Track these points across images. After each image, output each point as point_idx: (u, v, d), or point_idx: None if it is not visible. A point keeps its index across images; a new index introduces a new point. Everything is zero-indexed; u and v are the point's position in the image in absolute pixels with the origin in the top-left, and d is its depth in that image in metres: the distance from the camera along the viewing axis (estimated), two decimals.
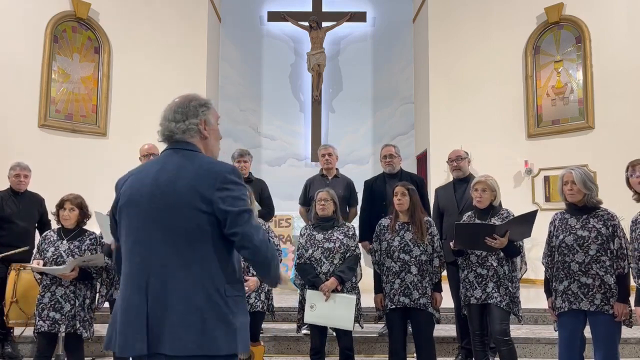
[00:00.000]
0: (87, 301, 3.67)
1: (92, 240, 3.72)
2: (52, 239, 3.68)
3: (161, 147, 2.01)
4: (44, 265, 3.56)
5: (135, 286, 1.76)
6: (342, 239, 3.86)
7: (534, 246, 7.23)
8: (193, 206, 1.73)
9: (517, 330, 4.73)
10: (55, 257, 3.58)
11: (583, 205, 3.29)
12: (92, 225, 3.92)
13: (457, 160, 4.55)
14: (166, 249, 1.74)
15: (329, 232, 3.88)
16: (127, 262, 1.83)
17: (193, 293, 1.71)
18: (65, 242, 3.65)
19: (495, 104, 8.65)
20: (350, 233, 3.93)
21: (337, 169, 5.24)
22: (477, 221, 3.70)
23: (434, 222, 3.93)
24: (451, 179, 4.76)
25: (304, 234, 3.96)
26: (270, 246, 1.82)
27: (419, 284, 3.65)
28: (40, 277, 3.69)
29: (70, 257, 3.58)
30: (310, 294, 3.76)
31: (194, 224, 1.73)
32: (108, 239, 3.49)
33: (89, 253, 3.64)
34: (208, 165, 1.81)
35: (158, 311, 1.70)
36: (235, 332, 1.75)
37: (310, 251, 3.85)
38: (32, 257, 3.75)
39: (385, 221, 3.91)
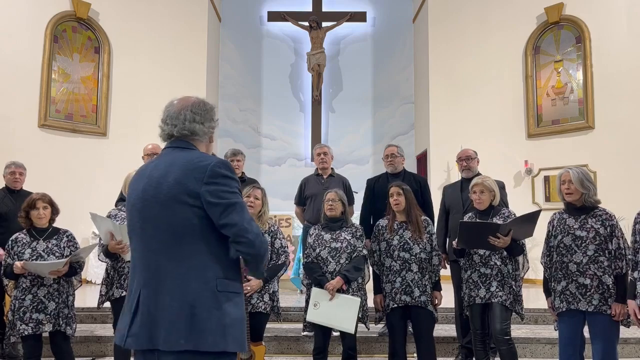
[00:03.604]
0: (71, 298, 3.66)
1: (70, 237, 3.71)
2: (24, 241, 3.60)
3: (163, 145, 2.01)
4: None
5: (134, 282, 1.82)
6: (350, 239, 3.86)
7: (534, 246, 7.24)
8: (179, 200, 1.74)
9: (517, 330, 4.73)
10: (34, 258, 3.53)
11: (581, 205, 3.29)
12: (77, 225, 3.90)
13: (466, 160, 4.56)
14: (157, 244, 1.77)
15: (337, 232, 3.89)
16: (131, 260, 1.90)
17: (184, 288, 1.72)
18: (41, 241, 3.60)
19: (495, 104, 8.66)
20: (358, 234, 3.92)
21: (332, 168, 5.23)
22: (479, 221, 3.69)
23: (431, 221, 3.94)
24: (451, 178, 4.76)
25: (313, 233, 3.97)
26: (263, 240, 1.81)
27: (419, 282, 3.67)
28: (8, 282, 3.63)
29: (51, 256, 3.55)
30: (315, 292, 3.76)
31: (181, 219, 1.74)
32: (105, 239, 3.48)
33: (69, 250, 3.64)
34: (197, 160, 1.81)
35: (152, 307, 1.74)
36: (224, 328, 1.72)
37: (317, 250, 3.86)
38: (3, 262, 3.65)
39: (383, 222, 3.92)
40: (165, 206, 1.76)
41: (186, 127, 1.90)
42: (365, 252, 3.94)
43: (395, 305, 3.69)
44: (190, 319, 1.70)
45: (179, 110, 1.92)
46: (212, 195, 1.74)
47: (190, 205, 1.75)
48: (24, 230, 3.67)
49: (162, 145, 2.01)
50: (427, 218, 3.92)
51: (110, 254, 3.49)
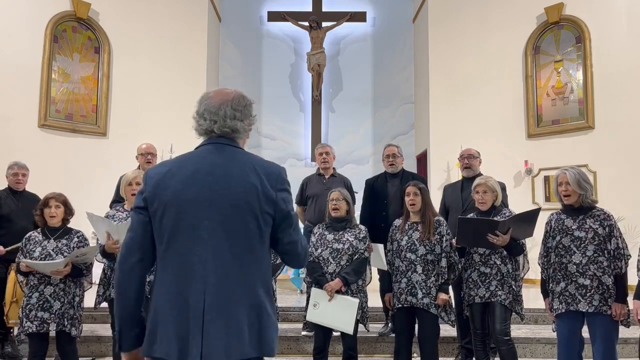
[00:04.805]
0: (77, 299, 3.65)
1: (80, 237, 3.71)
2: (37, 239, 3.63)
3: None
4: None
5: (190, 288, 1.65)
6: (352, 240, 3.84)
7: (534, 246, 7.23)
8: (259, 208, 1.70)
9: (517, 330, 4.73)
10: (43, 256, 3.54)
11: (579, 206, 3.27)
12: (81, 225, 3.90)
13: (468, 157, 4.55)
14: (227, 249, 1.67)
15: (340, 233, 3.87)
16: (178, 262, 1.68)
17: (254, 295, 1.68)
18: (52, 241, 3.62)
19: (495, 104, 8.66)
20: (361, 236, 3.89)
21: (334, 168, 5.23)
22: (478, 218, 3.69)
23: (444, 222, 3.86)
24: (451, 178, 4.76)
25: (316, 232, 3.96)
26: (307, 251, 1.86)
27: (423, 284, 3.63)
28: (23, 279, 3.65)
29: (60, 255, 3.55)
30: (314, 292, 3.76)
31: (255, 224, 1.70)
32: (102, 239, 3.48)
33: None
34: (265, 165, 1.78)
35: (218, 314, 1.63)
36: (276, 333, 1.75)
37: (319, 250, 3.85)
38: (16, 259, 3.68)
39: (397, 221, 3.90)
40: (240, 209, 1.68)
41: (227, 124, 1.78)
42: (367, 254, 3.93)
43: (400, 305, 3.69)
44: (258, 327, 1.67)
45: (219, 105, 1.79)
46: (284, 203, 1.75)
47: (265, 213, 1.71)
48: (38, 229, 3.72)
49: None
50: (440, 218, 3.84)
51: (107, 254, 3.49)
